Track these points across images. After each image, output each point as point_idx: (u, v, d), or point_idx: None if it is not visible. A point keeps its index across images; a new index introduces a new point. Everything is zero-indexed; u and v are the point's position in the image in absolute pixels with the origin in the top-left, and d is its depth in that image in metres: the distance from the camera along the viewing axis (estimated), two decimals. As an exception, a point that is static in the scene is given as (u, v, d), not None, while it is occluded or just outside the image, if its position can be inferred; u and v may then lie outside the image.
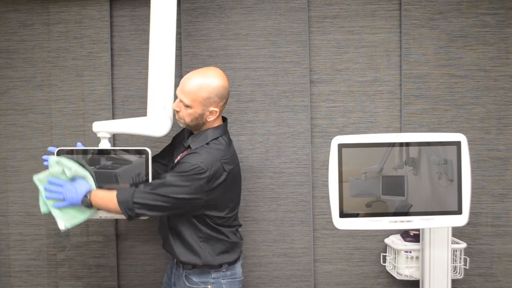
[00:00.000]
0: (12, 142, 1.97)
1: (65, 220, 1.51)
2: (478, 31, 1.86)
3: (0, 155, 1.98)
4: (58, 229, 1.96)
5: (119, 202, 1.46)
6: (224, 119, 1.60)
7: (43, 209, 1.53)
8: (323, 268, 1.93)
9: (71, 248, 1.98)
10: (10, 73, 1.97)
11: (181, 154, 1.57)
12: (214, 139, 1.52)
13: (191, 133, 1.60)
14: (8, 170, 1.98)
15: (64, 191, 1.49)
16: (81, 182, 1.52)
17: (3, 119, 1.98)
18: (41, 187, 1.52)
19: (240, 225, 1.64)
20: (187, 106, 1.48)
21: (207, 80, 1.47)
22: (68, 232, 1.98)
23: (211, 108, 1.49)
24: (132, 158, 1.59)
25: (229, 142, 1.57)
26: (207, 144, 1.51)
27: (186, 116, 1.50)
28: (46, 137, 1.96)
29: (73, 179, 1.52)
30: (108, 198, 1.48)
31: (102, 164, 1.60)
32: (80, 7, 1.94)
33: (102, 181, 1.56)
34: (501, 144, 1.87)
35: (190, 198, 1.45)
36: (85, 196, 1.49)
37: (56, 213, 1.51)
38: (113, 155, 1.60)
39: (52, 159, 1.52)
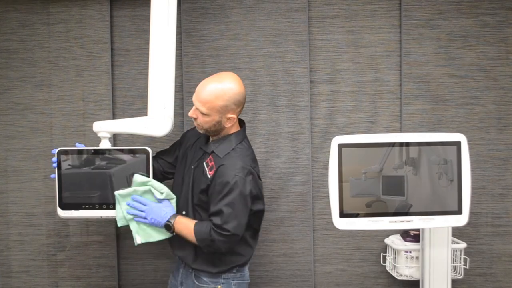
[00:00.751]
0: (12, 142, 1.97)
1: (141, 236, 1.54)
2: (478, 31, 1.86)
3: (0, 155, 1.98)
4: (58, 229, 1.98)
5: (197, 240, 1.47)
6: (242, 122, 1.60)
7: (120, 223, 1.56)
8: (323, 268, 1.93)
9: (71, 248, 1.98)
10: (10, 73, 1.97)
11: (205, 161, 1.54)
12: (239, 143, 1.53)
13: (208, 137, 1.60)
14: (8, 170, 1.98)
15: (147, 211, 1.51)
16: (167, 205, 1.54)
17: (3, 119, 1.98)
18: (122, 202, 1.54)
19: (259, 229, 1.63)
20: (204, 114, 1.48)
21: (224, 87, 1.46)
22: (68, 232, 1.98)
23: (229, 115, 1.49)
24: (132, 157, 1.59)
25: (249, 144, 1.60)
26: (233, 149, 1.51)
27: (204, 123, 1.50)
28: (46, 137, 1.96)
29: (159, 200, 1.54)
30: (188, 230, 1.49)
31: (102, 164, 1.60)
32: (80, 7, 1.94)
33: (99, 181, 1.57)
34: (501, 144, 1.87)
35: (248, 205, 1.48)
36: (169, 221, 1.50)
37: (134, 228, 1.54)
38: (113, 155, 1.60)
39: (139, 179, 1.54)
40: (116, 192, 1.55)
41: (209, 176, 1.50)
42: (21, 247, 1.98)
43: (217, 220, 1.45)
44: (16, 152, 1.97)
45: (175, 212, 1.54)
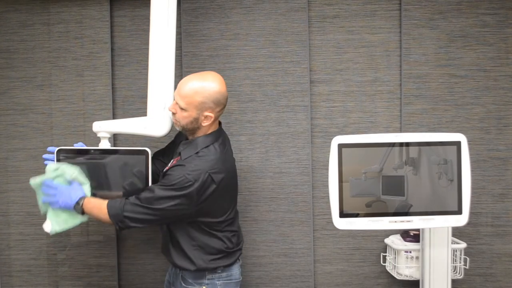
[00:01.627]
0: (13, 142, 1.98)
1: (57, 223, 1.53)
2: (478, 31, 1.86)
3: (1, 155, 1.98)
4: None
5: (110, 215, 1.47)
6: (219, 125, 1.59)
7: (42, 211, 1.56)
8: (323, 268, 1.93)
9: (71, 247, 1.98)
10: (11, 73, 1.97)
11: (172, 161, 1.57)
12: (205, 147, 1.50)
13: (186, 138, 1.59)
14: (9, 170, 1.98)
15: (58, 194, 1.50)
16: (76, 187, 1.52)
17: (3, 119, 1.98)
18: (38, 191, 1.54)
19: (236, 231, 1.61)
20: (182, 109, 1.48)
21: (204, 85, 1.47)
22: (68, 232, 1.98)
23: (206, 113, 1.48)
24: (131, 158, 1.59)
25: (222, 148, 1.53)
26: (196, 153, 1.49)
27: (181, 119, 1.50)
28: (46, 137, 1.96)
29: (70, 182, 1.53)
30: (99, 208, 1.48)
31: (101, 164, 1.61)
32: (80, 7, 1.94)
33: (96, 173, 1.57)
34: (501, 144, 1.87)
35: (179, 209, 1.45)
36: (77, 203, 1.49)
37: (49, 215, 1.53)
38: (112, 155, 1.60)
39: (51, 166, 1.53)
40: (31, 180, 1.53)
41: (164, 170, 1.52)
42: (22, 247, 1.99)
43: (144, 193, 1.46)
44: (16, 152, 1.98)
45: (84, 195, 1.52)
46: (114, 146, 1.93)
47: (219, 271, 1.55)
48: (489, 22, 1.85)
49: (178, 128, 1.55)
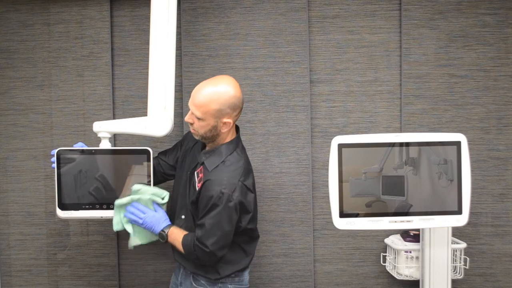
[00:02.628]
0: (13, 142, 1.98)
1: (139, 238, 1.58)
2: (478, 31, 1.86)
3: (1, 155, 1.98)
4: (59, 228, 1.98)
5: (185, 252, 1.50)
6: (237, 129, 1.58)
7: (116, 227, 1.58)
8: (323, 268, 1.93)
9: (71, 247, 1.98)
10: (11, 73, 1.97)
11: (196, 171, 1.54)
12: (229, 155, 1.50)
13: (203, 146, 1.58)
14: (9, 170, 1.98)
15: (145, 218, 1.52)
16: (162, 214, 1.55)
17: (3, 119, 1.98)
18: (121, 210, 1.57)
19: (258, 236, 1.63)
20: (199, 119, 1.44)
21: (218, 91, 1.42)
22: (68, 232, 1.98)
23: (225, 120, 1.45)
24: (133, 158, 1.59)
25: (242, 152, 1.55)
26: (222, 162, 1.48)
27: (199, 129, 1.47)
28: (46, 137, 1.97)
29: (155, 208, 1.56)
30: (178, 242, 1.51)
31: (101, 164, 1.61)
32: (81, 7, 1.94)
33: (98, 181, 1.60)
34: (501, 144, 1.87)
35: (233, 220, 1.45)
36: (163, 231, 1.52)
37: (130, 230, 1.57)
38: (113, 155, 1.61)
39: (137, 187, 1.56)
40: (116, 201, 1.56)
41: (197, 189, 1.50)
42: (22, 247, 1.99)
43: (199, 232, 1.46)
44: (17, 152, 1.98)
45: (170, 223, 1.55)
46: (115, 146, 1.93)
47: (232, 276, 1.55)
48: (489, 22, 1.85)
49: (197, 138, 1.52)
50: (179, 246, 1.50)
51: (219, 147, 1.51)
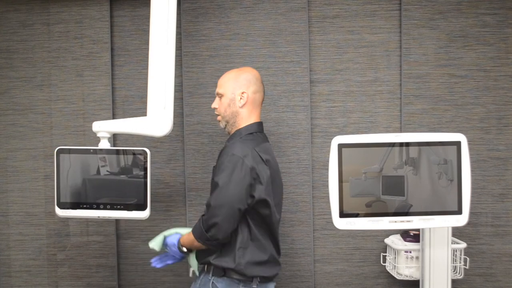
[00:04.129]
0: (12, 142, 1.98)
1: (194, 266, 1.60)
2: (478, 31, 1.86)
3: (0, 155, 1.98)
4: (58, 229, 1.99)
5: (196, 238, 1.48)
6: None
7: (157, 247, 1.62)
8: (323, 268, 1.93)
9: (71, 248, 1.98)
10: (10, 73, 1.97)
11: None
12: (249, 134, 1.53)
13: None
14: (8, 170, 1.98)
15: (170, 251, 1.59)
16: (171, 237, 1.58)
17: (3, 119, 1.98)
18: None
19: (275, 234, 1.57)
20: (220, 97, 1.56)
21: (238, 70, 1.58)
22: (68, 232, 1.98)
23: (240, 90, 1.53)
24: (131, 157, 1.59)
25: (265, 138, 1.58)
26: (240, 138, 1.52)
27: (222, 109, 1.56)
28: (46, 137, 1.96)
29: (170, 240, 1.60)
30: (191, 240, 1.51)
31: (100, 163, 1.61)
32: (80, 7, 1.94)
33: (97, 181, 1.60)
34: (501, 144, 1.87)
35: (246, 187, 1.42)
36: (178, 248, 1.55)
37: (190, 261, 1.61)
38: (112, 155, 1.60)
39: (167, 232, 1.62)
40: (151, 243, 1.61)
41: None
42: (21, 247, 1.99)
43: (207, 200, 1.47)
44: (16, 152, 1.98)
45: (179, 236, 1.57)
46: (114, 146, 1.93)
47: (254, 285, 1.49)
48: (489, 22, 1.85)
49: (222, 126, 1.59)
50: (193, 241, 1.49)
51: (239, 129, 1.55)
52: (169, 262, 1.62)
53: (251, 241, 1.49)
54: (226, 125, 1.57)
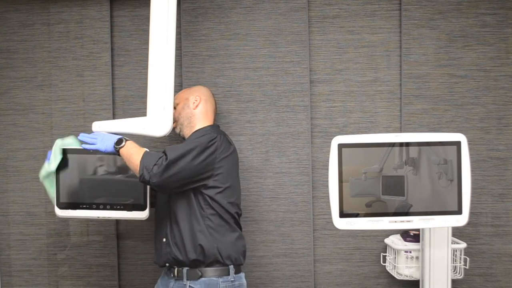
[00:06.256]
0: (13, 142, 1.98)
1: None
2: (478, 31, 1.86)
3: (1, 155, 1.98)
4: (58, 228, 1.98)
5: (141, 163, 1.48)
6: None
7: (42, 175, 1.64)
8: (323, 268, 1.93)
9: (71, 247, 1.98)
10: (11, 73, 1.97)
11: None
12: (203, 129, 1.62)
13: None
14: (9, 170, 1.98)
15: (99, 139, 1.57)
16: (112, 135, 1.59)
17: (3, 119, 1.98)
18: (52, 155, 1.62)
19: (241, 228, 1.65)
20: (176, 108, 1.67)
21: (191, 87, 1.75)
22: (68, 232, 1.98)
23: (194, 95, 1.66)
24: None
25: (224, 136, 1.62)
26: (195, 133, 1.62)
27: (178, 116, 1.66)
28: (46, 137, 1.97)
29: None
30: (138, 150, 1.53)
31: (100, 163, 1.61)
32: (80, 7, 1.94)
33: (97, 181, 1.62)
34: (501, 144, 1.87)
35: (203, 159, 1.49)
36: (120, 139, 1.56)
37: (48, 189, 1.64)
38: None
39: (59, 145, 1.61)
40: (58, 140, 1.61)
41: None
42: (22, 247, 1.99)
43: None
44: (17, 152, 1.98)
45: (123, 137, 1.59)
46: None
47: (232, 279, 1.54)
48: (489, 22, 1.85)
49: (177, 131, 1.68)
50: (138, 153, 1.50)
51: (196, 131, 1.63)
52: (88, 146, 1.58)
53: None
54: (181, 128, 1.67)
